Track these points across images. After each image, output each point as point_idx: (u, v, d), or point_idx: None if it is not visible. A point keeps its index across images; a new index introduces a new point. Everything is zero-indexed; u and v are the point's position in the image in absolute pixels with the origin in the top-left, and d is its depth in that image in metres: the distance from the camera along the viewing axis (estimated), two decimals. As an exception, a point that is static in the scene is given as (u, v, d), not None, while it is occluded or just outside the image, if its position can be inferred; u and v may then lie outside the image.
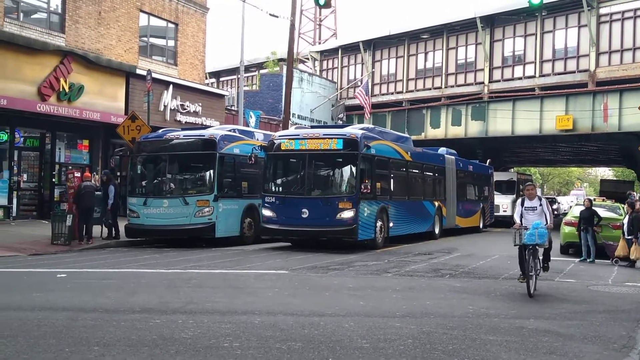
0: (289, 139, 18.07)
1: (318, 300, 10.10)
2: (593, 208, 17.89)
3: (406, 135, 26.33)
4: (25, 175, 23.76)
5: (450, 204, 24.99)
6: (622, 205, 19.83)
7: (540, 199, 11.18)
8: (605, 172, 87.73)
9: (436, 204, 23.44)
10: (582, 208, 18.18)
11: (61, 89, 22.71)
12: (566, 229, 19.05)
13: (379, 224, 18.16)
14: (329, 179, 18.17)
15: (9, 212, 22.40)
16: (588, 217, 17.40)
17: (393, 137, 21.74)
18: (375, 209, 17.97)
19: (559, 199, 64.60)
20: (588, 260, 17.16)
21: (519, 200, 11.38)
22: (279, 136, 18.76)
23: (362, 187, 16.90)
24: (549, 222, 10.89)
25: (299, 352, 6.63)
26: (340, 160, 17.79)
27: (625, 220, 17.01)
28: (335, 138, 17.29)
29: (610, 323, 8.59)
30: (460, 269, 14.48)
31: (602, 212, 18.25)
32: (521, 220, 11.03)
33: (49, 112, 22.26)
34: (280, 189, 18.14)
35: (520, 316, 8.93)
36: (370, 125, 23.72)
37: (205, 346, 6.77)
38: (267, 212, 17.60)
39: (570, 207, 26.12)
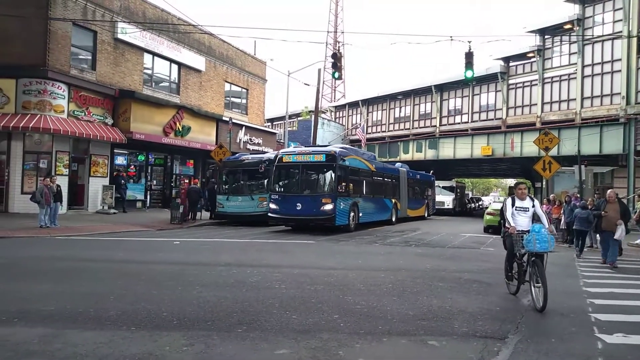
0: (288, 154, 16.27)
1: (333, 259, 10.03)
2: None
3: (372, 153, 24.23)
4: (154, 181, 23.98)
5: (403, 201, 22.90)
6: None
7: (532, 200, 6.47)
8: (512, 181, 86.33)
9: (393, 200, 21.38)
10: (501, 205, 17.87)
11: (177, 129, 22.88)
12: (488, 217, 18.77)
13: (351, 214, 16.34)
14: (315, 182, 16.09)
15: (145, 203, 22.61)
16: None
17: (362, 154, 19.44)
18: (349, 203, 16.18)
19: (483, 198, 64.14)
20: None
21: (509, 200, 6.56)
22: (282, 152, 16.77)
23: (339, 187, 15.35)
24: (547, 225, 6.17)
25: (321, 291, 6.61)
26: (324, 169, 15.79)
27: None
28: (320, 154, 15.71)
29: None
30: (422, 241, 14.35)
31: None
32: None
33: (169, 143, 22.42)
34: (282, 189, 16.17)
35: (459, 271, 8.80)
36: (347, 146, 21.35)
37: (264, 287, 6.79)
38: (273, 205, 15.79)
39: (490, 203, 25.72)
